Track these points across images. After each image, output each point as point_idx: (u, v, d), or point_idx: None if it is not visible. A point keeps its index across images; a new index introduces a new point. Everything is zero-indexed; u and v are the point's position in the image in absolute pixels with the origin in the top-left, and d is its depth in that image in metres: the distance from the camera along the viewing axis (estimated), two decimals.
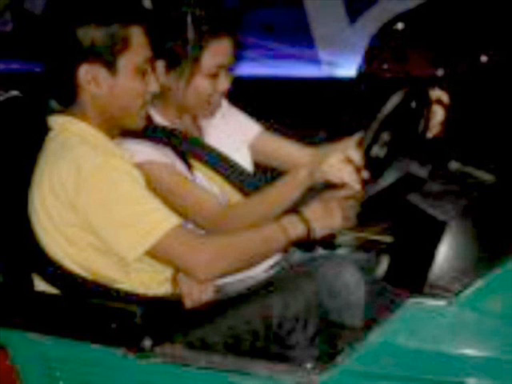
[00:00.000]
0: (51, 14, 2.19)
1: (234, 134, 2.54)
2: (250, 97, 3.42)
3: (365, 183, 2.15)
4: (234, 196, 2.42)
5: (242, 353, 2.08)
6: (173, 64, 2.33)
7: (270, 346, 2.20)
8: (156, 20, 2.29)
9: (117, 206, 2.06)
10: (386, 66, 4.95)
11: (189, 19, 2.30)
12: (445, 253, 1.95)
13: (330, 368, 1.88)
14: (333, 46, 6.91)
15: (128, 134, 2.28)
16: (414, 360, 1.84)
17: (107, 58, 2.12)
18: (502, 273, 1.88)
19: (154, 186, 2.21)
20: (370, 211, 2.28)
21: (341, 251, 2.59)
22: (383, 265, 2.19)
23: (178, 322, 2.16)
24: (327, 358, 2.05)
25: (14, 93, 2.43)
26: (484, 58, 4.68)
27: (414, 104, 2.19)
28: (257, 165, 2.56)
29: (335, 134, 2.59)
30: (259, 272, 2.41)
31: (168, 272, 2.23)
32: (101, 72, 2.13)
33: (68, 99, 2.19)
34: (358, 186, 2.15)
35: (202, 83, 2.35)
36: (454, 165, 2.31)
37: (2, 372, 2.04)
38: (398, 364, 1.85)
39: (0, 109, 2.39)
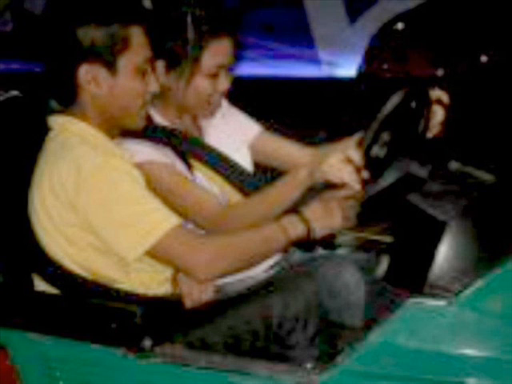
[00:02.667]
0: (51, 14, 2.19)
1: (234, 134, 2.54)
2: (250, 97, 3.42)
3: (365, 183, 2.15)
4: (234, 196, 2.42)
5: (242, 353, 2.08)
6: (173, 64, 2.33)
7: (270, 346, 2.20)
8: (156, 20, 2.29)
9: (117, 206, 2.06)
10: (386, 66, 4.95)
11: (189, 19, 2.30)
12: (445, 253, 1.95)
13: (330, 368, 1.88)
14: (333, 46, 6.91)
15: (128, 134, 2.28)
16: (414, 360, 1.84)
17: (107, 58, 2.12)
18: (501, 273, 1.88)
19: (154, 186, 2.21)
20: (370, 211, 2.28)
21: (341, 251, 2.59)
22: (383, 265, 2.19)
23: (178, 322, 2.15)
24: (327, 357, 2.05)
25: (14, 93, 2.43)
26: (484, 58, 4.68)
27: (414, 104, 2.19)
28: (257, 165, 2.56)
29: (335, 134, 2.59)
30: (259, 272, 2.41)
31: (168, 272, 2.23)
32: (101, 72, 2.13)
33: (68, 99, 2.19)
34: (357, 186, 2.15)
35: (202, 83, 2.35)
36: (453, 165, 2.31)
37: (2, 372, 2.04)
38: (398, 364, 1.84)
39: (0, 109, 2.39)
